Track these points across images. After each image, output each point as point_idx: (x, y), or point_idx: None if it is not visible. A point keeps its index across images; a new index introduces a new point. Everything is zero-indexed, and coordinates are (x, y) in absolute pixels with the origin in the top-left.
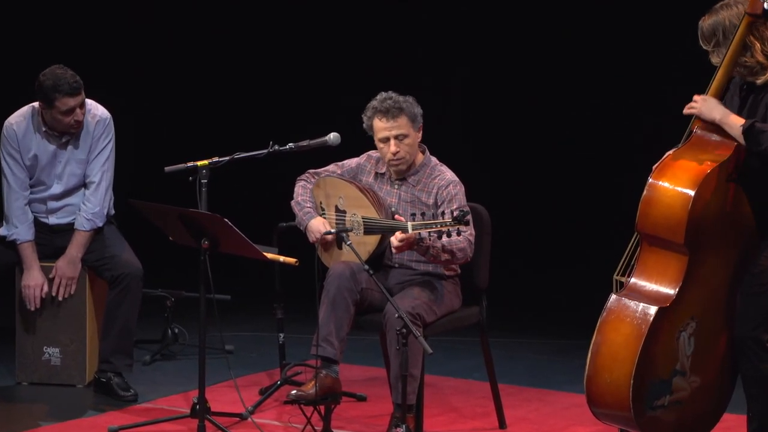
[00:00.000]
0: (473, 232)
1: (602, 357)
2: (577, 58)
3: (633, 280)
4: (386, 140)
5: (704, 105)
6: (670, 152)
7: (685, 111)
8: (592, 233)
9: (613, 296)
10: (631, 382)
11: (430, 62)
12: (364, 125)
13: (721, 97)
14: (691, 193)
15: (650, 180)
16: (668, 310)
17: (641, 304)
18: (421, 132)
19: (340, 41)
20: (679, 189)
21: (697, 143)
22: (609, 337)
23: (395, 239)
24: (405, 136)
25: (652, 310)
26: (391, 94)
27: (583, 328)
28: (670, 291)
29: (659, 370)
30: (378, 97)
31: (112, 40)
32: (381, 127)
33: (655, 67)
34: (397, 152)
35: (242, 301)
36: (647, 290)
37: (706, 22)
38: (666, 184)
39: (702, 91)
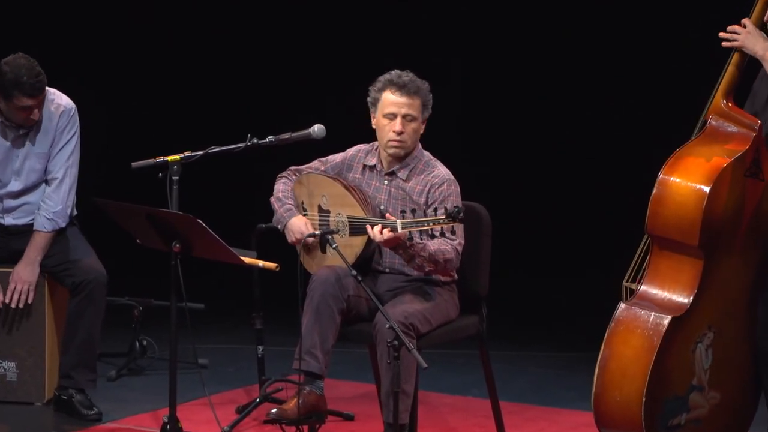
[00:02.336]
0: (462, 242)
1: (610, 373)
2: (582, 48)
3: (644, 287)
4: (393, 117)
5: (747, 37)
6: (683, 146)
7: (724, 44)
8: (602, 236)
9: (622, 305)
10: (643, 400)
11: (425, 50)
12: (370, 98)
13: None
14: (706, 189)
15: (660, 176)
16: (683, 320)
17: (653, 314)
18: (424, 125)
19: (326, 28)
20: (692, 186)
21: (711, 135)
22: (618, 350)
23: (377, 231)
24: (414, 118)
25: (665, 320)
26: (409, 72)
27: (592, 340)
28: (684, 299)
29: (674, 386)
30: (394, 71)
31: (77, 25)
32: (392, 101)
33: (664, 61)
34: (402, 133)
35: (217, 310)
36: (659, 298)
37: None
38: (677, 181)
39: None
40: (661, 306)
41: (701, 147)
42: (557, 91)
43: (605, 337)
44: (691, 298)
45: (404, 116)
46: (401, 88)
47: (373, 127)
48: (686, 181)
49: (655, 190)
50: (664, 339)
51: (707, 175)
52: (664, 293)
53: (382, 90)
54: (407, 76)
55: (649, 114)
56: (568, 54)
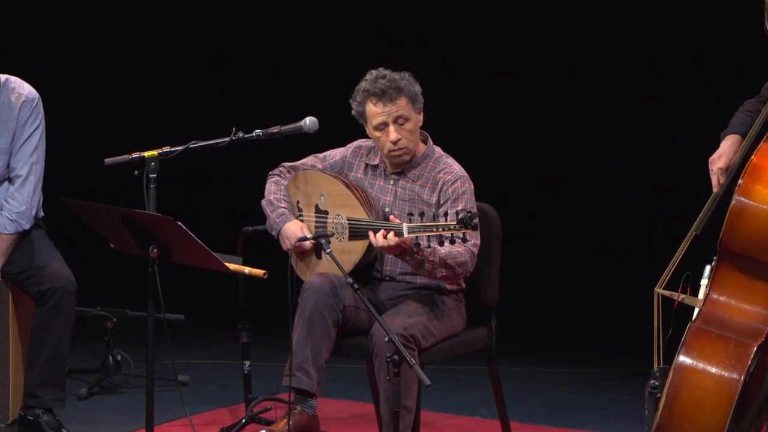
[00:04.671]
0: (478, 242)
1: (681, 404)
2: (608, 41)
3: (710, 306)
4: (383, 126)
5: None
6: (757, 151)
7: None
8: (624, 240)
9: (693, 327)
10: None
11: (426, 31)
12: (354, 112)
13: None
14: None
15: (741, 185)
16: (764, 348)
17: (733, 339)
18: (422, 114)
19: (318, 8)
20: None
21: None
22: (692, 379)
23: (380, 236)
24: (406, 119)
25: (750, 348)
26: (383, 71)
27: (613, 354)
28: (761, 324)
29: (745, 418)
30: (368, 76)
31: (42, 7)
32: (376, 112)
33: (695, 52)
34: (399, 139)
35: (199, 321)
36: (733, 321)
37: None
38: (764, 193)
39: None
40: (738, 330)
41: None
42: (577, 84)
43: (675, 363)
44: None
45: (395, 121)
46: (381, 96)
47: (370, 136)
48: None
49: (734, 202)
50: (748, 369)
51: None
52: (735, 315)
53: (363, 103)
54: (382, 78)
55: (692, 103)
56: (593, 45)
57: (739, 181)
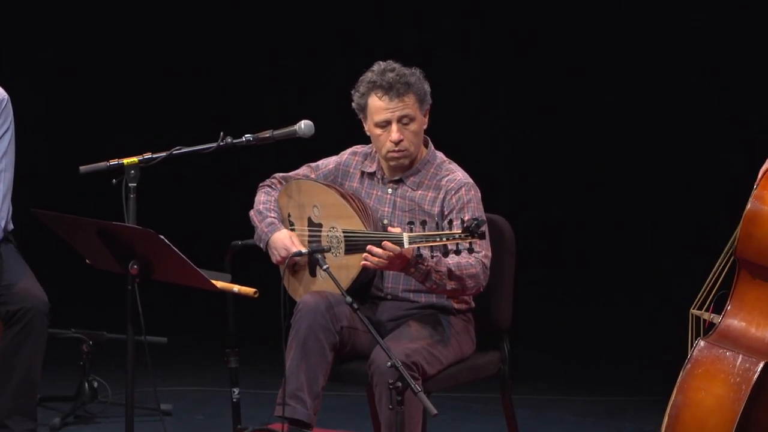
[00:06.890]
0: (489, 254)
1: (684, 425)
2: (636, 33)
3: (727, 321)
4: (386, 124)
5: None
6: None
7: None
8: (653, 255)
9: (702, 343)
10: None
11: (428, 20)
12: (354, 104)
13: None
14: None
15: (756, 190)
16: None
17: (740, 357)
18: (428, 117)
19: (316, 6)
20: None
21: None
22: (696, 398)
23: (376, 257)
24: (411, 119)
25: (758, 365)
26: (392, 64)
27: (637, 381)
28: None
29: None
30: (375, 67)
31: (11, 2)
32: (380, 107)
33: (722, 63)
34: (401, 140)
35: (184, 344)
36: (747, 337)
37: None
38: None
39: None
40: (750, 347)
41: None
42: (606, 58)
43: (679, 380)
44: None
45: (400, 120)
46: (388, 90)
47: (367, 133)
48: None
49: (749, 207)
50: (754, 388)
51: None
52: (752, 330)
53: (366, 95)
54: (392, 71)
55: (735, 102)
56: (615, 46)
57: (756, 184)
